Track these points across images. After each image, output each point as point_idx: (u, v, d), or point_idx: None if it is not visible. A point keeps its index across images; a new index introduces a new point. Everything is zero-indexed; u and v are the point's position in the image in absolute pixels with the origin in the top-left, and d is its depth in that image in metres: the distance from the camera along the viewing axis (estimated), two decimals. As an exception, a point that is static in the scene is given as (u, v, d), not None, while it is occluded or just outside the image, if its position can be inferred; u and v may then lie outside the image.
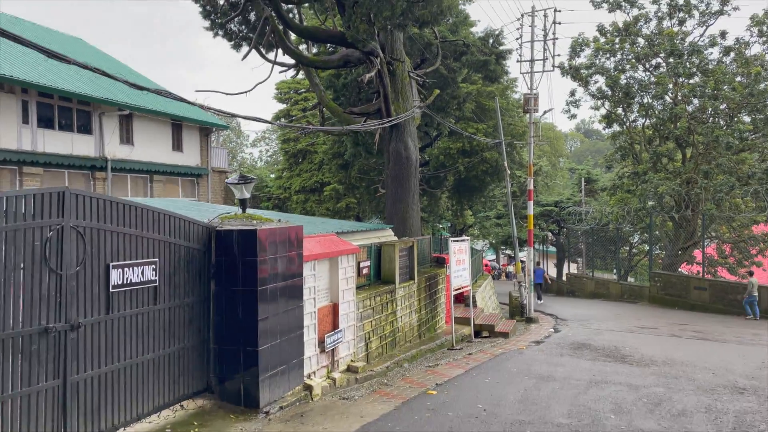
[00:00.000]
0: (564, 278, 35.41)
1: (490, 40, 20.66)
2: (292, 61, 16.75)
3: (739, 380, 9.92)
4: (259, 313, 6.86)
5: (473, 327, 15.20)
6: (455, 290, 13.98)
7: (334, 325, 9.35)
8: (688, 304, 23.28)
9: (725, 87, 22.71)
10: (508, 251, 51.62)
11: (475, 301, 16.97)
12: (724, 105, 23.39)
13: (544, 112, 22.40)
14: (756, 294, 20.19)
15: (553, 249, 39.37)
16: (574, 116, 29.85)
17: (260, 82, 15.88)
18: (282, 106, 38.71)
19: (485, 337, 15.41)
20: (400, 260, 12.12)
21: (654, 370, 10.58)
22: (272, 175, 40.93)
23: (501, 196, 35.13)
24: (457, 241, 13.94)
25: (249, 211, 8.33)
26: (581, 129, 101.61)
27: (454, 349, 13.10)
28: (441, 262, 15.61)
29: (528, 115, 20.31)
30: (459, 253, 13.90)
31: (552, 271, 38.61)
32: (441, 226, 52.92)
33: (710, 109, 23.55)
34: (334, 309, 9.37)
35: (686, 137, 25.08)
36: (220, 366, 7.06)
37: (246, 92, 15.16)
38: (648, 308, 23.69)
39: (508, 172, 21.39)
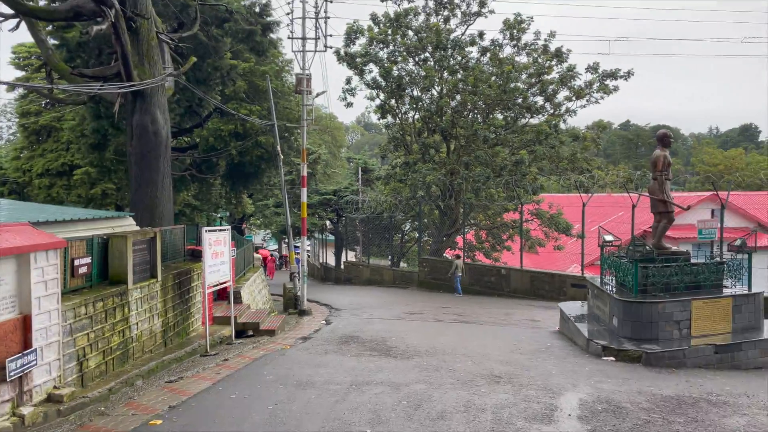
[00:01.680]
0: (342, 266, 35.41)
1: (257, 9, 18.90)
2: (9, 11, 13.16)
3: (496, 367, 9.83)
4: None
5: (234, 327, 13.51)
6: (212, 287, 12.14)
7: (25, 345, 6.94)
8: (451, 287, 24.44)
9: (483, 84, 24.20)
10: (296, 243, 50.72)
11: (240, 297, 15.27)
12: (482, 101, 24.97)
13: (318, 94, 21.49)
14: (460, 274, 22.99)
15: (332, 237, 39.28)
16: (350, 104, 29.77)
17: (-44, 29, 12.10)
18: (21, 73, 32.23)
19: (249, 336, 13.84)
20: (136, 255, 9.91)
21: (417, 363, 10.06)
22: (7, 155, 33.94)
23: (279, 184, 33.74)
24: (213, 230, 12.09)
25: None
26: (361, 122, 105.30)
27: (208, 355, 11.30)
28: (198, 256, 13.57)
29: (301, 97, 19.12)
30: (216, 244, 12.08)
31: (331, 260, 38.49)
32: (219, 215, 49.83)
33: (470, 104, 24.96)
34: (25, 323, 6.96)
35: (450, 130, 26.33)
36: None
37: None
38: (417, 293, 24.36)
39: (281, 156, 20.02)
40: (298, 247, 54.21)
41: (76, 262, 8.43)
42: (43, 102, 30.80)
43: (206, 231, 11.53)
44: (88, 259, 8.75)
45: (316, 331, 14.30)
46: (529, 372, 9.57)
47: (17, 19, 12.91)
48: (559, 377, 9.26)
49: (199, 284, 12.84)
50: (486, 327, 14.71)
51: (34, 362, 6.91)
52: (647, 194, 12.72)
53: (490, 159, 25.05)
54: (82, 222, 10.16)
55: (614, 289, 12.59)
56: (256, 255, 40.63)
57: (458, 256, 24.22)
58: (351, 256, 35.90)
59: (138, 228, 11.07)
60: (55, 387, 7.38)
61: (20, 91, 31.02)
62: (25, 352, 6.78)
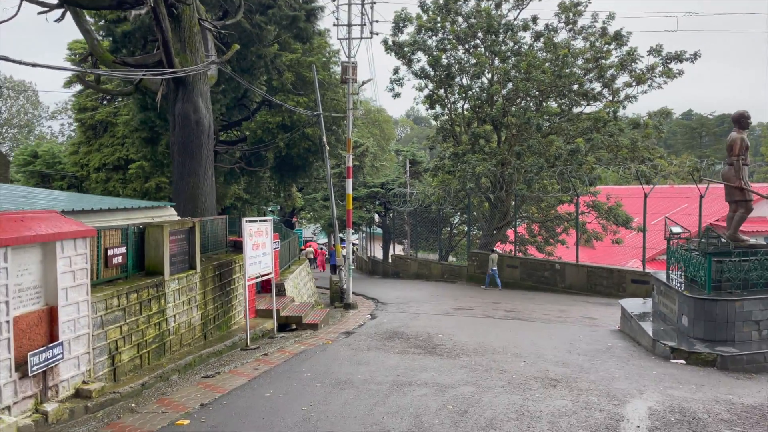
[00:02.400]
0: (390, 260, 34.86)
1: (301, -6, 18.44)
2: (54, 1, 13.13)
3: (551, 368, 9.00)
4: None
5: (277, 320, 13.11)
6: (253, 279, 11.75)
7: (51, 337, 6.63)
8: (501, 281, 23.50)
9: (537, 70, 23.04)
10: (341, 235, 50.58)
11: (284, 290, 14.90)
12: (535, 88, 23.80)
13: (363, 83, 20.92)
14: (495, 268, 22.49)
15: (380, 231, 38.77)
16: (398, 95, 29.04)
17: (4, 21, 12.10)
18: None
19: (292, 330, 13.42)
20: (174, 245, 9.58)
21: (464, 362, 9.34)
22: (67, 150, 34.94)
23: (326, 176, 33.42)
24: (254, 221, 11.68)
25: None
26: (411, 116, 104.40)
27: (249, 349, 10.90)
28: (241, 247, 13.23)
29: (346, 86, 18.59)
30: (257, 235, 11.67)
31: (379, 253, 37.99)
32: (270, 209, 50.17)
33: (522, 91, 23.81)
34: (51, 315, 6.64)
35: (501, 119, 25.28)
36: None
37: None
38: (466, 287, 23.51)
39: (327, 148, 19.56)
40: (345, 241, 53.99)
41: (109, 252, 8.12)
42: (99, 97, 31.53)
43: (246, 222, 11.12)
44: (122, 249, 8.44)
45: (360, 326, 13.76)
46: (588, 375, 8.70)
47: (62, 9, 12.86)
48: (624, 381, 8.36)
49: (241, 276, 12.50)
50: (539, 325, 13.81)
51: (60, 356, 6.60)
52: (719, 181, 11.51)
53: (544, 148, 23.87)
54: (120, 211, 9.92)
55: (683, 286, 11.48)
56: (308, 249, 40.63)
57: (493, 250, 24.16)
58: (399, 249, 35.30)
59: (178, 218, 10.76)
60: (83, 382, 7.07)
61: (77, 86, 31.75)
62: (50, 345, 6.46)
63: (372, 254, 38.03)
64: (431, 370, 8.72)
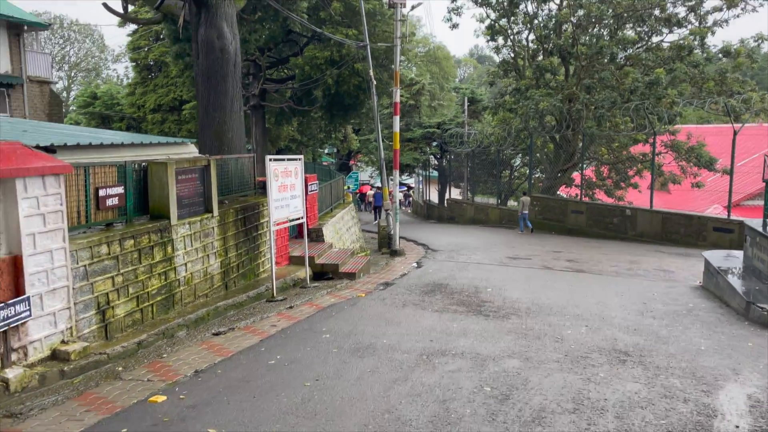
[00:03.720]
0: (445, 204, 33.18)
1: None
2: None
3: (620, 337, 7.36)
4: None
5: (311, 268, 11.95)
6: (281, 223, 10.53)
7: (16, 291, 5.60)
8: (565, 228, 21.52)
9: (612, -9, 20.12)
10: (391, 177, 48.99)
11: (321, 236, 13.70)
12: (611, 10, 20.84)
13: (413, 7, 18.89)
14: (526, 211, 21.68)
15: (436, 174, 36.93)
16: (456, 26, 26.49)
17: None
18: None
19: (329, 279, 12.25)
20: (184, 186, 8.40)
21: (513, 325, 7.83)
22: (125, 91, 34.70)
23: (382, 117, 31.59)
24: (281, 159, 10.33)
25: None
26: (474, 54, 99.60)
27: (274, 300, 9.79)
28: (272, 188, 12.00)
29: (394, 11, 16.64)
30: (285, 176, 10.35)
31: (434, 197, 36.31)
32: (326, 151, 49.07)
33: (596, 15, 20.89)
34: (15, 265, 5.60)
35: (570, 49, 22.54)
36: None
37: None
38: (525, 234, 21.70)
39: (374, 82, 17.81)
40: (403, 185, 52.49)
41: (101, 193, 7.01)
42: (152, 35, 30.72)
43: (271, 160, 9.79)
44: (119, 189, 7.31)
45: (402, 276, 12.43)
46: (667, 346, 7.02)
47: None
48: (712, 356, 6.65)
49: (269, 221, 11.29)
50: (606, 278, 12.02)
51: (27, 313, 5.58)
52: None
53: (618, 81, 21.14)
54: (126, 147, 8.81)
55: (787, 238, 9.43)
56: (367, 190, 39.25)
57: (525, 193, 23.39)
58: (456, 193, 33.48)
59: (201, 155, 9.54)
60: (63, 342, 6.09)
61: (131, 26, 30.99)
62: (12, 301, 5.44)
63: (428, 198, 36.40)
64: (472, 335, 7.28)
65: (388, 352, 6.51)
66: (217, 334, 7.73)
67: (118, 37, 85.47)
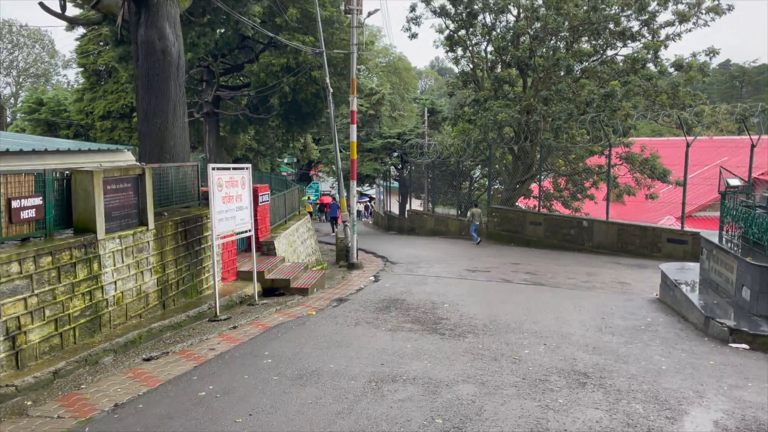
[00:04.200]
0: (406, 215, 32.82)
1: None
2: None
3: (579, 356, 7.00)
4: None
5: (261, 284, 11.30)
6: (226, 236, 9.87)
7: None
8: (524, 239, 21.40)
9: (569, 3, 20.18)
10: (358, 188, 48.46)
11: (273, 249, 13.05)
12: (568, 22, 20.92)
13: (369, 13, 18.51)
14: (477, 222, 21.96)
15: (396, 184, 36.57)
16: (415, 35, 26.28)
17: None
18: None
19: (280, 295, 11.61)
20: (113, 197, 7.68)
21: (469, 345, 7.39)
22: (73, 97, 33.20)
23: (341, 126, 31.03)
24: (225, 168, 9.69)
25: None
26: (435, 66, 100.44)
27: (217, 320, 9.12)
28: (219, 199, 11.31)
29: (350, 18, 16.23)
30: (231, 186, 9.71)
31: (395, 208, 35.93)
32: (285, 161, 48.18)
33: (552, 26, 20.92)
34: None
35: (528, 61, 22.55)
36: None
37: None
38: (484, 246, 21.46)
39: (330, 90, 17.32)
40: (364, 195, 51.93)
41: (14, 204, 6.26)
42: (101, 39, 29.48)
43: (213, 169, 9.14)
44: (36, 200, 6.57)
45: (358, 290, 11.89)
46: (627, 366, 6.69)
47: None
48: (674, 377, 6.34)
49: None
50: (564, 291, 11.76)
51: None
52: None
53: (574, 93, 21.22)
54: (50, 155, 8.03)
55: (742, 250, 9.30)
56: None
57: (475, 204, 24.14)
58: (416, 204, 33.19)
59: (135, 163, 8.80)
60: (-42, 374, 5.32)
61: (80, 29, 29.70)
62: None
63: (388, 209, 36.01)
64: (425, 357, 6.79)
65: (334, 379, 5.96)
66: (148, 360, 7.03)
67: (68, 41, 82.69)
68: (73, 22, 17.93)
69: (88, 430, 4.78)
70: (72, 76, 55.86)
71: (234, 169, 9.94)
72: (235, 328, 8.62)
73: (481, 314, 9.23)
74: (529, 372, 6.32)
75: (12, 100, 51.89)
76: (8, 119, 47.88)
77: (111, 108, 29.95)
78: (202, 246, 10.09)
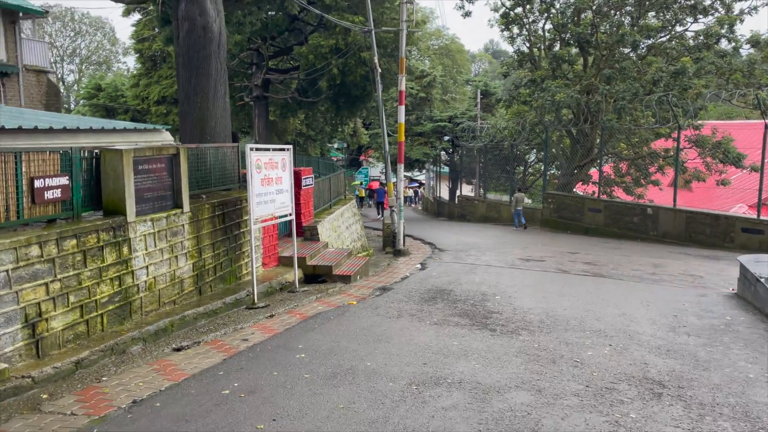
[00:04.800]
0: (456, 201, 31.88)
1: None
2: None
3: (651, 361, 6.12)
4: None
5: (303, 270, 10.84)
6: (266, 220, 9.41)
7: None
8: (581, 227, 20.18)
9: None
10: (408, 173, 47.71)
11: (316, 234, 12.56)
12: (633, -2, 19.42)
13: (419, -11, 17.64)
14: (520, 207, 21.88)
15: (447, 169, 35.58)
16: (468, 13, 25.16)
17: None
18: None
19: (321, 282, 11.11)
20: (145, 178, 7.29)
21: (524, 344, 6.62)
22: (129, 83, 33.79)
23: (390, 111, 30.29)
24: (265, 149, 9.19)
25: None
26: (489, 50, 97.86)
27: (255, 307, 8.68)
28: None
29: (399, -6, 15.44)
30: (270, 167, 9.22)
31: (445, 193, 35.01)
32: (335, 146, 47.92)
33: (616, 3, 19.45)
34: None
35: (589, 37, 21.13)
36: None
37: None
38: (539, 233, 20.39)
39: (379, 69, 16.64)
40: (414, 181, 51.06)
41: (37, 183, 5.92)
42: (156, 25, 29.73)
43: (252, 149, 8.65)
44: (62, 180, 6.22)
45: (403, 279, 11.25)
46: (709, 374, 5.78)
47: None
48: (765, 388, 5.40)
49: (255, 217, 10.15)
50: (628, 284, 10.74)
51: None
52: None
53: (640, 71, 19.70)
54: (82, 133, 7.71)
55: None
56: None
57: (519, 190, 23.74)
58: (467, 190, 32.17)
59: (171, 143, 8.38)
60: (-27, 363, 5.00)
61: (136, 15, 30.05)
62: None
63: (438, 194, 35.13)
64: (474, 357, 6.08)
65: (371, 380, 5.34)
66: (178, 350, 6.63)
67: (128, 29, 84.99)
68: (121, 1, 17.86)
69: (98, 430, 4.34)
70: (131, 62, 57.18)
71: (274, 150, 9.42)
72: (272, 316, 8.14)
73: (537, 308, 8.42)
74: (593, 378, 5.52)
75: (75, 87, 53.71)
76: (71, 104, 49.52)
77: (165, 93, 30.26)
78: (242, 230, 9.66)
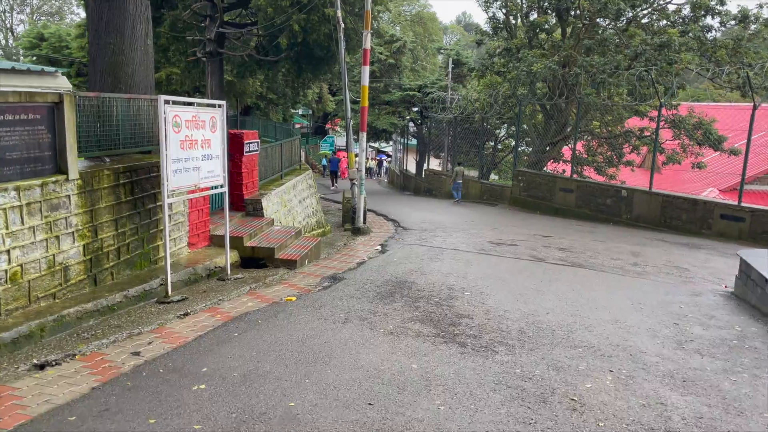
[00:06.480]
0: (423, 175, 30.20)
1: None
2: None
3: (668, 398, 4.56)
4: None
5: (239, 252, 9.01)
6: (192, 192, 7.51)
7: None
8: (552, 207, 18.80)
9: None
10: (374, 144, 45.66)
11: (260, 209, 10.67)
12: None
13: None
14: (460, 181, 21.96)
15: (414, 142, 33.75)
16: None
17: None
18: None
19: (262, 266, 9.30)
20: (7, 132, 5.30)
21: (502, 369, 5.00)
22: (75, 32, 30.58)
23: (357, 77, 28.06)
24: (186, 103, 7.23)
25: None
26: (461, 22, 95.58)
27: (168, 301, 6.83)
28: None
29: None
30: (193, 127, 7.27)
31: (412, 167, 33.27)
32: (300, 112, 45.42)
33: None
34: None
35: (569, 4, 19.42)
36: None
37: None
38: (508, 213, 18.95)
39: (341, 25, 14.61)
40: (382, 153, 49.09)
41: None
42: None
43: (167, 102, 6.68)
44: None
45: (359, 264, 9.55)
46: (746, 421, 4.27)
47: None
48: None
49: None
50: (611, 278, 9.26)
51: None
52: None
53: (623, 42, 18.15)
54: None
55: None
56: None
57: (459, 163, 23.43)
58: (435, 163, 30.51)
59: (54, 89, 6.28)
60: None
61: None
62: None
63: (405, 167, 33.38)
64: (438, 391, 4.42)
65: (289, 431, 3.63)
66: (41, 367, 4.79)
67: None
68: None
69: None
70: (84, 14, 53.08)
71: (200, 105, 7.46)
72: (185, 315, 6.33)
73: (514, 311, 6.82)
74: (600, 430, 3.93)
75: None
76: (20, 57, 45.53)
77: (113, 46, 27.35)
78: (159, 203, 7.73)
